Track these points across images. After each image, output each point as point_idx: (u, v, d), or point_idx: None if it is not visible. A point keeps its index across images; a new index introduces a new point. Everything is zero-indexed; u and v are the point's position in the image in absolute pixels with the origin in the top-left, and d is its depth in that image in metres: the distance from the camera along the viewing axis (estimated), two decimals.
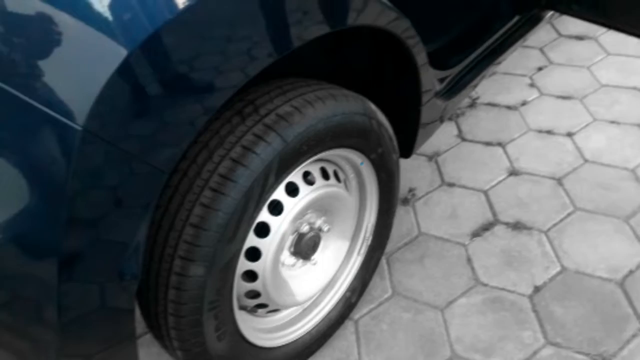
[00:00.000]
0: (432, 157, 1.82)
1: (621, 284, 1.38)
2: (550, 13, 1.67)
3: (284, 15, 0.82)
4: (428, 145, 1.85)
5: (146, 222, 0.76)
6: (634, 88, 1.98)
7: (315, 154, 0.98)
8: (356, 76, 1.24)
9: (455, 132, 1.92)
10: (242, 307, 1.08)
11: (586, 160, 1.73)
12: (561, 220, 1.55)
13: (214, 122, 0.88)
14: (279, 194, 0.98)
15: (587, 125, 1.86)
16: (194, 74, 0.73)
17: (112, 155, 0.69)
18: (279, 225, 0.98)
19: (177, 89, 0.72)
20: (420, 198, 1.69)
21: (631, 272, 1.40)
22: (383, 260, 1.51)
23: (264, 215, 0.97)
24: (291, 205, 0.99)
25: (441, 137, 1.89)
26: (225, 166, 0.84)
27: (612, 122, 1.86)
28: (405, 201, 1.68)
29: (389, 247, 1.53)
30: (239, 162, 0.84)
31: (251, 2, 0.78)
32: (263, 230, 0.98)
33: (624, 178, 1.65)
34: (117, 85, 0.66)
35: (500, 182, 1.70)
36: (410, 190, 1.72)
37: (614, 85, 2.01)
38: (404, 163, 1.75)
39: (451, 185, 1.72)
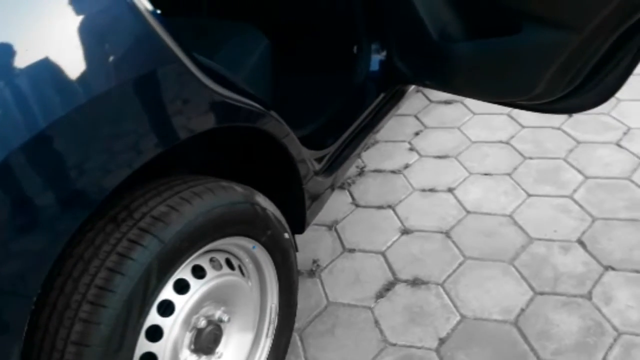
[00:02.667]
0: (332, 226, 1.90)
1: (515, 323, 1.48)
2: (414, 86, 1.87)
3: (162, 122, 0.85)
4: (327, 214, 1.93)
5: (19, 346, 0.73)
6: (500, 142, 2.22)
7: (200, 247, 0.99)
8: (237, 164, 1.29)
9: (349, 199, 2.02)
10: None
11: (468, 212, 1.89)
12: (454, 271, 1.66)
13: (88, 233, 0.88)
14: (168, 293, 0.97)
15: (464, 180, 2.04)
16: (54, 191, 0.73)
17: None
18: (171, 326, 0.96)
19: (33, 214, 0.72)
20: (324, 268, 1.73)
21: (522, 310, 1.51)
22: (296, 337, 1.51)
23: (154, 318, 0.95)
24: (182, 303, 0.98)
25: (337, 205, 1.98)
26: (102, 277, 0.83)
27: (486, 174, 2.06)
28: (312, 273, 1.72)
29: (301, 322, 1.54)
30: (116, 271, 0.83)
31: (130, 106, 0.82)
32: (157, 333, 0.95)
33: (503, 224, 1.82)
34: None
35: (394, 242, 1.80)
36: (315, 261, 1.76)
37: (482, 141, 2.24)
38: (305, 235, 1.79)
39: (352, 251, 1.79)
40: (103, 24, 0.80)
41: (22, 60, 0.72)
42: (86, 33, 0.78)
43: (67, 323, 0.82)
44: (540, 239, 1.73)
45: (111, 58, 0.80)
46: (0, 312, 0.73)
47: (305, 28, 1.92)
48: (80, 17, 0.78)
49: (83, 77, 0.77)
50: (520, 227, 1.78)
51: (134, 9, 0.83)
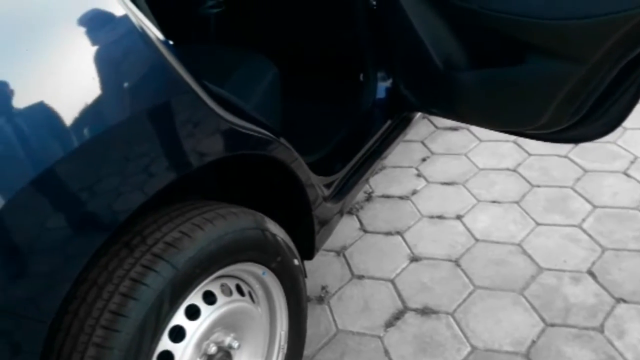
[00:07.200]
0: (340, 252, 1.88)
1: (527, 355, 1.46)
2: (420, 113, 1.89)
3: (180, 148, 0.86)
4: (335, 240, 1.92)
5: None
6: (507, 169, 2.22)
7: (212, 273, 0.99)
8: (247, 190, 1.30)
9: (358, 225, 2.01)
10: None
11: (477, 240, 1.88)
12: (464, 300, 1.65)
13: (102, 258, 0.88)
14: (179, 319, 0.97)
15: (472, 207, 2.04)
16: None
17: None
18: (182, 351, 0.96)
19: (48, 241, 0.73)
20: (333, 294, 1.72)
21: (534, 342, 1.49)
22: None
23: (165, 344, 0.94)
24: (193, 329, 0.98)
25: (345, 231, 1.97)
26: (115, 302, 0.83)
27: (494, 201, 2.05)
28: (320, 299, 1.70)
29: (310, 350, 1.52)
30: (129, 296, 0.84)
31: (144, 136, 0.82)
32: (168, 359, 0.95)
33: (512, 252, 1.81)
34: None
35: (403, 269, 1.79)
36: (323, 287, 1.75)
37: (490, 168, 2.25)
38: (314, 261, 1.78)
39: (360, 277, 1.77)
40: (116, 54, 0.81)
41: (39, 91, 0.73)
42: (100, 64, 0.79)
43: (80, 347, 0.82)
44: (550, 269, 1.72)
45: (125, 89, 0.82)
46: (16, 336, 0.74)
47: (313, 56, 1.94)
48: (94, 48, 0.80)
49: (97, 108, 0.78)
50: (530, 257, 1.77)
51: (147, 40, 0.84)
